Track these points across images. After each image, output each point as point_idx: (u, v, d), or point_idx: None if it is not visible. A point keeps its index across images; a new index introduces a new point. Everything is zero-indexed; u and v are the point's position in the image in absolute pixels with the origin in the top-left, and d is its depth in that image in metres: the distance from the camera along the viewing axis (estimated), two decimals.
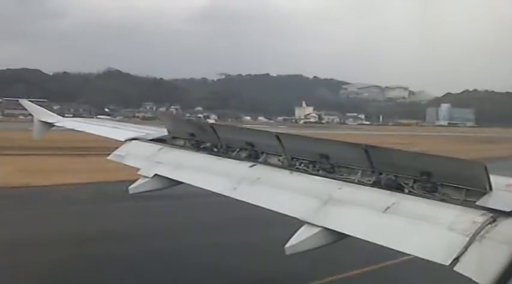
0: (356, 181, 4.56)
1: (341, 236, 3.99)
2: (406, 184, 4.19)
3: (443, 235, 3.41)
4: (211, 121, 76.95)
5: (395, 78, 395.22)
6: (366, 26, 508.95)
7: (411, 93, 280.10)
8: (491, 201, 3.61)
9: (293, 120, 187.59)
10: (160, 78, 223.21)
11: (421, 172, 4.09)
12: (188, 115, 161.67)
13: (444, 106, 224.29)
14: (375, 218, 3.87)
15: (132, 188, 6.31)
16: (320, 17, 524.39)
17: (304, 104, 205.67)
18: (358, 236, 3.79)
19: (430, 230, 3.53)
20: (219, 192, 5.27)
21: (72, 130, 10.50)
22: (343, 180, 4.60)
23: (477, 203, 3.62)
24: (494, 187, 3.76)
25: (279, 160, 5.47)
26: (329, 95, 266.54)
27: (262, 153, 5.74)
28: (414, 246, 3.49)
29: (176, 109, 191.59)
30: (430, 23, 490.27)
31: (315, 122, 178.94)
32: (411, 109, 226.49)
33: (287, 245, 4.04)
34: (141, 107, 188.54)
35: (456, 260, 3.18)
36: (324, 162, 4.95)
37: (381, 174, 4.40)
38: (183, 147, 6.92)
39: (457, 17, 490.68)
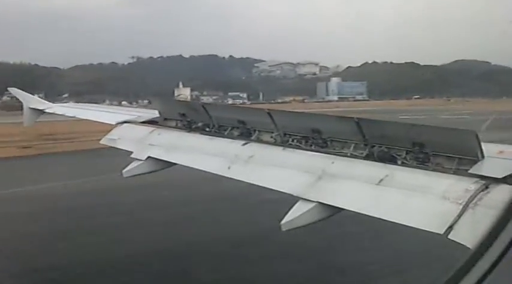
0: (349, 154, 4.61)
1: (336, 210, 4.09)
2: (398, 155, 4.27)
3: (437, 205, 3.47)
4: None
5: (309, 54, 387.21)
6: (281, 3, 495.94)
7: (324, 68, 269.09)
8: (483, 168, 3.67)
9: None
10: (35, 64, 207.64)
11: (413, 143, 4.16)
12: None
13: (333, 81, 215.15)
14: (369, 191, 3.96)
15: (126, 171, 6.34)
16: None
17: (180, 85, 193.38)
18: (353, 210, 3.92)
19: (423, 201, 3.59)
20: (213, 172, 5.33)
21: (63, 115, 10.55)
22: (336, 154, 4.65)
23: (469, 171, 3.71)
24: (486, 154, 3.82)
25: (271, 137, 5.48)
26: (240, 74, 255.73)
27: (255, 130, 5.73)
28: (409, 217, 3.54)
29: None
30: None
31: None
32: (311, 86, 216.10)
33: (283, 221, 4.17)
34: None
35: (450, 228, 3.24)
36: (316, 137, 4.96)
37: (373, 146, 4.45)
38: (175, 128, 6.95)
39: None
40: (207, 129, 6.38)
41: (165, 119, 7.29)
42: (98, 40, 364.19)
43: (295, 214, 4.11)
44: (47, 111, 10.96)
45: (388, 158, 4.29)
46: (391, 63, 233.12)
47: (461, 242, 3.11)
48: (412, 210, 3.57)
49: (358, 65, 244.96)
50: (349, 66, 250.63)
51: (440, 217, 3.34)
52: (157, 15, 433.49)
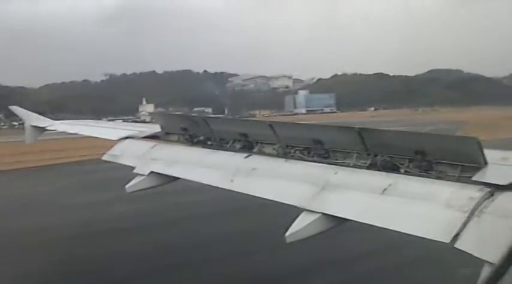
0: (352, 164, 4.59)
1: (340, 220, 4.04)
2: (401, 164, 4.25)
3: (441, 213, 3.41)
4: None
5: (282, 67, 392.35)
6: (254, 20, 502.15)
7: (298, 81, 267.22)
8: (487, 175, 3.64)
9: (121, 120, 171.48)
10: None
11: (415, 151, 4.13)
12: None
13: (301, 94, 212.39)
14: (373, 200, 3.92)
15: (129, 187, 6.25)
16: (209, 13, 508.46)
17: (144, 102, 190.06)
18: (357, 220, 3.86)
19: (428, 209, 3.53)
20: (216, 185, 5.29)
21: (65, 133, 10.77)
22: (338, 165, 4.65)
23: (473, 178, 3.66)
24: (489, 161, 3.79)
25: (273, 149, 5.50)
26: (214, 89, 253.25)
27: (257, 142, 5.74)
28: (414, 226, 3.49)
29: None
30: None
31: (143, 121, 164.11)
32: (282, 99, 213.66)
33: (287, 233, 4.11)
34: None
35: (456, 237, 3.17)
36: (318, 147, 4.96)
37: (376, 155, 4.43)
38: (176, 142, 6.96)
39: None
40: (209, 143, 6.39)
41: (167, 133, 7.27)
42: (71, 58, 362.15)
43: (299, 226, 4.06)
44: (48, 128, 10.87)
45: (391, 167, 4.25)
46: (360, 74, 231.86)
47: (468, 252, 3.04)
48: (416, 219, 3.51)
49: (329, 76, 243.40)
50: (319, 78, 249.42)
51: (445, 226, 3.26)
52: (132, 32, 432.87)
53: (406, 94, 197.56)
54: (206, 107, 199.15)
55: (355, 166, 4.53)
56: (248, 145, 5.80)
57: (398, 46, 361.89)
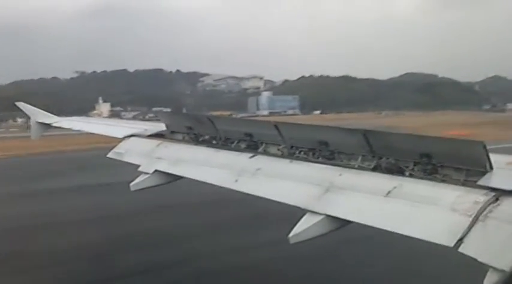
0: (356, 166, 4.61)
1: (344, 222, 4.05)
2: (406, 167, 4.26)
3: (445, 217, 3.40)
4: None
5: (255, 68, 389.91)
6: (229, 21, 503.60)
7: (269, 82, 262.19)
8: (492, 180, 3.62)
9: None
10: None
11: (420, 154, 4.15)
12: None
13: (264, 95, 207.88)
14: (377, 203, 3.92)
15: (134, 185, 6.28)
16: (186, 14, 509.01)
17: (100, 100, 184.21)
18: (360, 222, 3.85)
19: (432, 212, 3.52)
20: (220, 185, 5.29)
21: (70, 129, 10.70)
22: (343, 166, 4.66)
23: (478, 183, 3.64)
24: (494, 166, 3.78)
25: (278, 149, 5.54)
26: (185, 88, 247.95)
27: (262, 143, 5.79)
28: (417, 229, 3.48)
29: None
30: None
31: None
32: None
33: (291, 234, 4.10)
34: None
35: (460, 241, 3.16)
36: (323, 149, 4.99)
37: (381, 158, 4.45)
38: (181, 141, 6.99)
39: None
40: (214, 142, 6.40)
41: (172, 132, 7.28)
42: (43, 55, 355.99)
43: (303, 227, 4.07)
44: (54, 125, 10.81)
45: (395, 170, 4.26)
46: (327, 76, 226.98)
47: (472, 256, 3.02)
48: (420, 222, 3.50)
49: (295, 78, 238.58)
50: (286, 80, 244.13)
51: (449, 230, 3.25)
52: (107, 30, 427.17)
53: (372, 97, 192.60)
54: (165, 107, 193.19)
55: (359, 168, 4.51)
56: (253, 145, 5.78)
57: (374, 50, 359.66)
